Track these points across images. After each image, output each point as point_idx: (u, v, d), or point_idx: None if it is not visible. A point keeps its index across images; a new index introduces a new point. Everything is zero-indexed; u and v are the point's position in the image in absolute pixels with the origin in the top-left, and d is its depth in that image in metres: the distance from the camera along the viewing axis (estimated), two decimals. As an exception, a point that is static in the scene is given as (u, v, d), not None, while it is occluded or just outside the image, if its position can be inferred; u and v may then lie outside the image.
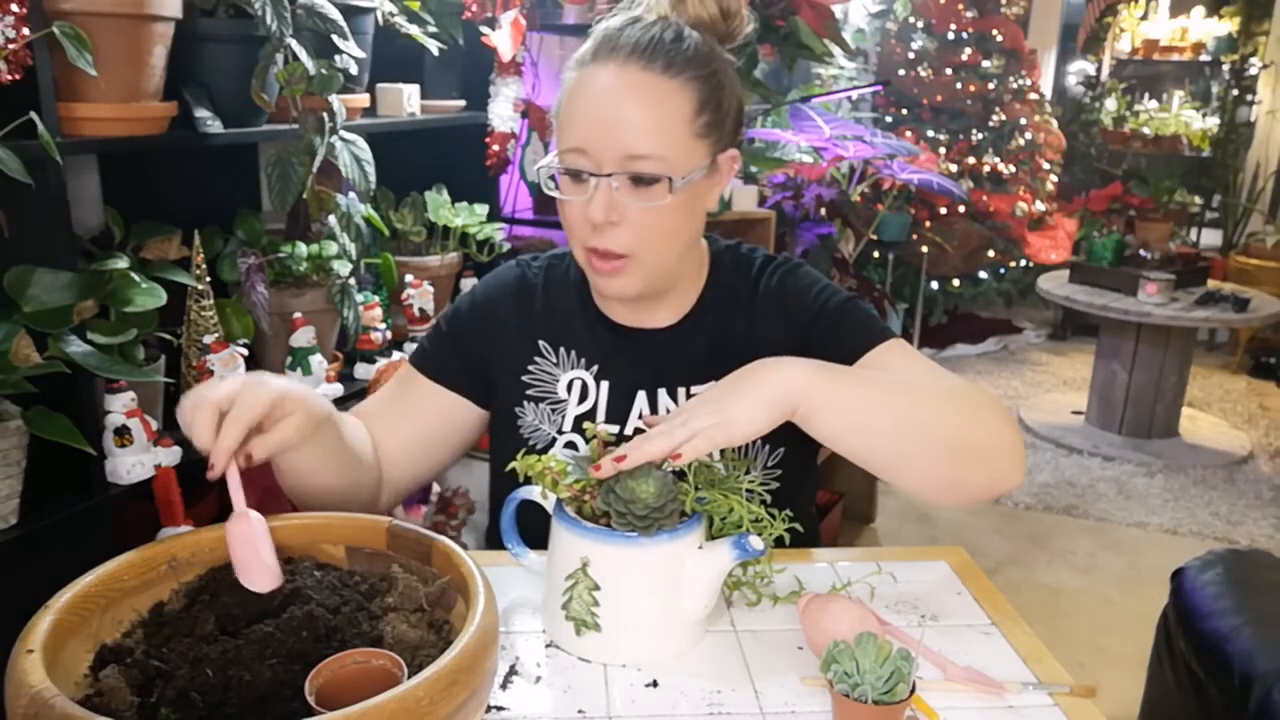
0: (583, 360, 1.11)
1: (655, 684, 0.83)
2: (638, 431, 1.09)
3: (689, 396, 1.10)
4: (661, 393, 1.10)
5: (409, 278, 2.04)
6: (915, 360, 1.07)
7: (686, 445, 0.83)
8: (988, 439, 0.95)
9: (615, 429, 1.09)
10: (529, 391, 1.12)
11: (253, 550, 0.78)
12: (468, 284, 2.23)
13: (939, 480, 0.96)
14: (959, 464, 0.95)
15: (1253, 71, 5.47)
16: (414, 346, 1.19)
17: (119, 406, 1.46)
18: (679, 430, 0.84)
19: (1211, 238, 5.56)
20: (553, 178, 1.01)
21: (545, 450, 1.10)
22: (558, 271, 1.16)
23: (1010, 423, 0.97)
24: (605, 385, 1.10)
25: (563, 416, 1.11)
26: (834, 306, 1.09)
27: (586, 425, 0.92)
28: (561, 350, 1.12)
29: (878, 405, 0.91)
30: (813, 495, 1.25)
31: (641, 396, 1.10)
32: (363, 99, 1.87)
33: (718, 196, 1.05)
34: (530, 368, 1.12)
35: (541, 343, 1.12)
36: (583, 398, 1.11)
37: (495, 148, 2.18)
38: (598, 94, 0.96)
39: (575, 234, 1.02)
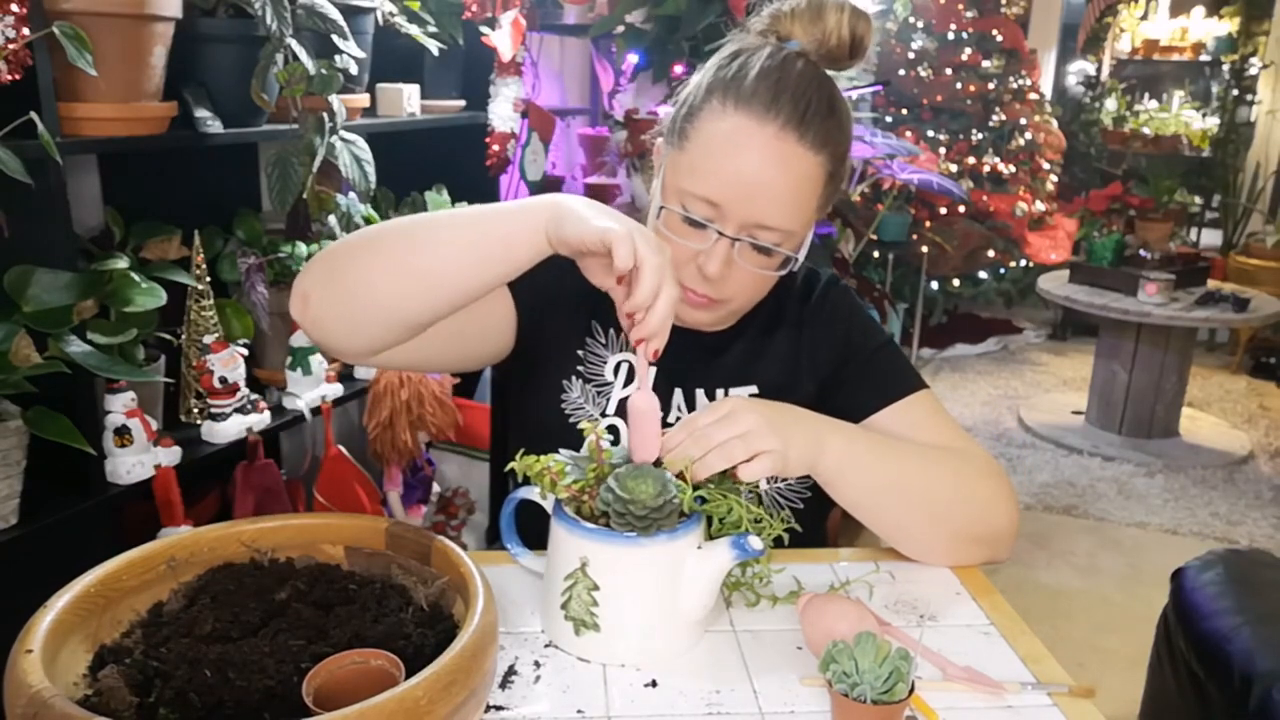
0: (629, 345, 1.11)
1: (654, 684, 0.83)
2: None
3: (727, 397, 1.10)
4: (699, 393, 1.11)
5: (409, 278, 2.04)
6: (936, 417, 1.08)
7: (746, 467, 0.88)
8: (991, 528, 1.03)
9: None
10: (579, 368, 1.11)
11: (653, 424, 0.85)
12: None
13: (936, 554, 1.04)
14: (959, 546, 1.03)
15: (1253, 71, 5.47)
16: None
17: (119, 406, 1.46)
18: (737, 448, 0.87)
19: (1211, 238, 5.56)
20: (660, 212, 0.98)
21: None
22: None
23: (1012, 506, 1.04)
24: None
25: (607, 400, 1.11)
26: (873, 348, 1.12)
27: (585, 424, 0.92)
28: (611, 332, 1.12)
29: (893, 488, 0.99)
30: (830, 503, 1.26)
31: (679, 394, 1.11)
32: (363, 99, 1.87)
33: None
34: (584, 345, 1.12)
35: (594, 322, 1.12)
36: (629, 380, 1.11)
37: (495, 148, 2.18)
38: (748, 153, 0.94)
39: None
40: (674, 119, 1.00)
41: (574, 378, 1.11)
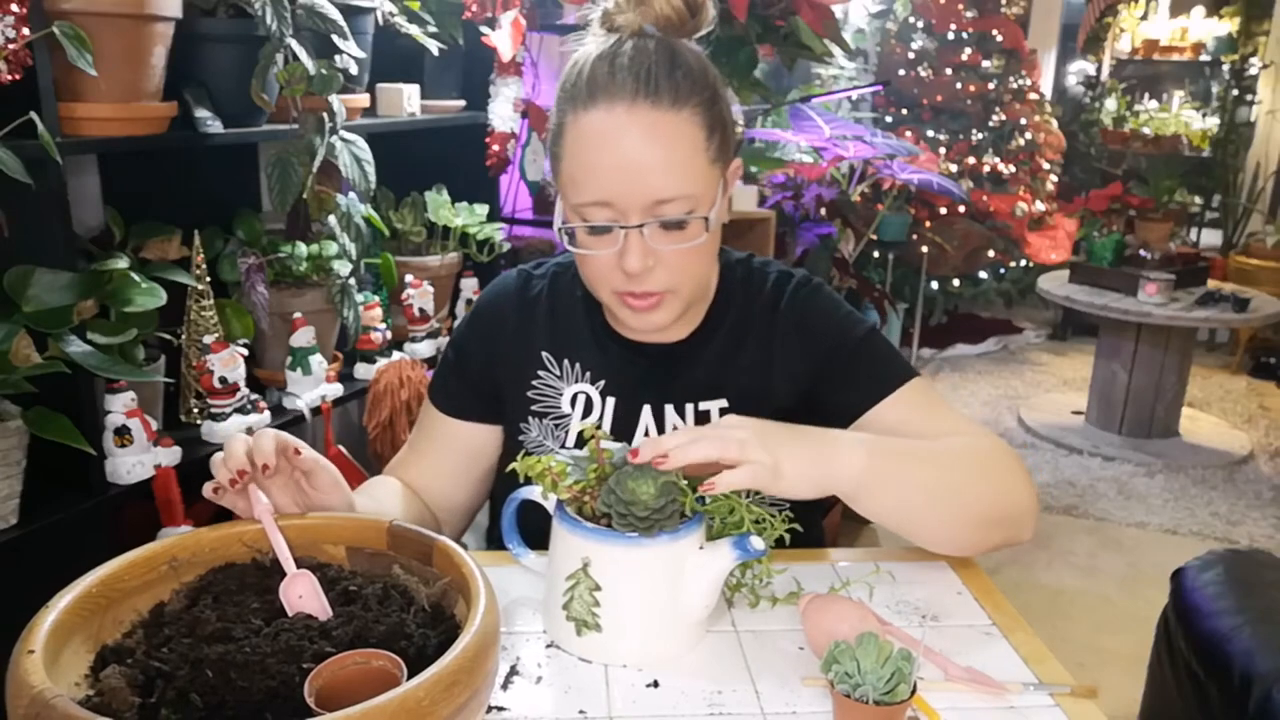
0: (588, 374, 1.10)
1: (656, 684, 0.83)
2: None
3: (696, 412, 1.09)
4: (669, 409, 1.09)
5: (409, 278, 2.04)
6: (933, 405, 1.06)
7: (725, 475, 0.83)
8: (1013, 508, 0.99)
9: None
10: (533, 407, 1.10)
11: (318, 604, 0.77)
12: (468, 284, 2.23)
13: (956, 544, 1.01)
14: (980, 530, 0.99)
15: (1253, 71, 5.46)
16: (432, 376, 1.21)
17: (119, 406, 1.46)
18: (732, 448, 0.82)
19: (1211, 238, 5.56)
20: (569, 232, 0.98)
21: None
22: (563, 281, 1.14)
23: (1029, 484, 1.01)
24: (611, 401, 1.09)
25: (566, 432, 1.09)
26: (855, 339, 1.08)
27: (586, 427, 0.92)
28: (565, 363, 1.10)
29: (916, 485, 0.94)
30: (827, 505, 1.25)
31: (647, 411, 1.09)
32: (363, 99, 1.87)
33: (728, 207, 1.04)
34: (534, 382, 1.11)
35: (545, 354, 1.11)
36: (586, 412, 1.09)
37: (495, 148, 2.18)
38: (612, 141, 0.92)
39: (603, 282, 0.99)
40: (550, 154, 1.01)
41: (530, 418, 1.10)
